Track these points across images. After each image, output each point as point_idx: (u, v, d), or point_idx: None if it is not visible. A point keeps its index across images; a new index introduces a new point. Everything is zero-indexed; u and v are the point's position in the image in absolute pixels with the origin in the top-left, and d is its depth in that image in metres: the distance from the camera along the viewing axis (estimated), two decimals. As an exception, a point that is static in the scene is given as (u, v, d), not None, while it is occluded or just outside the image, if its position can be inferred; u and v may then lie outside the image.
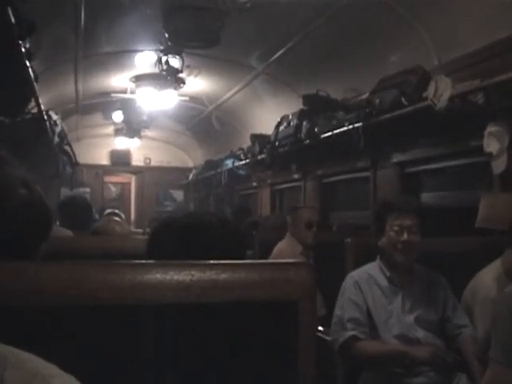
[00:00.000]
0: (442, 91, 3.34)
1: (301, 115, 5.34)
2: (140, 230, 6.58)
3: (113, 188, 12.69)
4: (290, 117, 5.64)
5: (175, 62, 5.40)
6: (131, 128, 9.25)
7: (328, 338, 2.56)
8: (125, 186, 12.79)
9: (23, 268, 0.91)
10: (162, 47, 5.25)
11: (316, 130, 5.01)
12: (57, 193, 8.51)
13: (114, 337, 0.92)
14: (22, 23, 2.55)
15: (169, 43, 4.97)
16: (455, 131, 3.61)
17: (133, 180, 12.40)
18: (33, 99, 3.97)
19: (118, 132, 9.94)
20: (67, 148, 6.66)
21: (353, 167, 5.27)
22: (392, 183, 4.57)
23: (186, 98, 7.22)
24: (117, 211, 3.81)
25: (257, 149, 6.75)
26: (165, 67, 5.42)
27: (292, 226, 4.00)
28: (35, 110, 4.32)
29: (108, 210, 3.94)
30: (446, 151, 3.91)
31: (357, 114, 4.37)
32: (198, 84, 6.75)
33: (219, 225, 1.39)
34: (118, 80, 6.90)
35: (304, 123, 5.25)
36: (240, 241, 1.42)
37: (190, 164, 11.52)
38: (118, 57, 6.00)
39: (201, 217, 1.44)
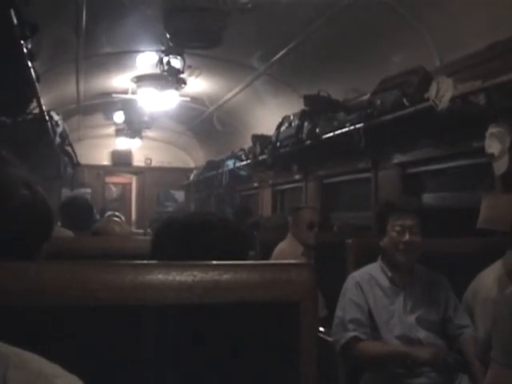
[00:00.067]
0: (443, 92, 3.33)
1: (302, 116, 5.34)
2: (141, 231, 6.59)
3: (114, 188, 12.69)
4: (292, 117, 5.64)
5: (176, 62, 5.40)
6: (132, 128, 9.26)
7: (329, 339, 2.56)
8: (126, 187, 12.79)
9: (25, 268, 0.91)
10: (163, 48, 5.25)
11: (317, 130, 5.01)
12: (58, 193, 8.51)
13: (116, 337, 0.92)
14: (24, 25, 2.56)
15: (170, 44, 4.97)
16: (457, 132, 3.60)
17: (134, 180, 12.40)
18: (34, 100, 3.97)
19: (119, 132, 9.94)
20: (68, 149, 6.65)
21: (354, 168, 5.26)
22: (393, 184, 4.56)
23: (188, 99, 7.21)
24: (117, 213, 3.80)
25: (258, 149, 6.74)
26: (166, 68, 5.42)
27: (293, 226, 4.00)
28: (37, 111, 4.32)
29: (108, 213, 3.94)
30: (447, 152, 3.90)
31: (358, 114, 4.37)
32: (199, 84, 6.75)
33: (220, 225, 1.39)
34: (119, 80, 6.90)
35: (305, 124, 5.24)
36: (242, 241, 1.41)
37: (191, 164, 11.52)
38: (119, 57, 6.00)
39: (202, 217, 1.44)
